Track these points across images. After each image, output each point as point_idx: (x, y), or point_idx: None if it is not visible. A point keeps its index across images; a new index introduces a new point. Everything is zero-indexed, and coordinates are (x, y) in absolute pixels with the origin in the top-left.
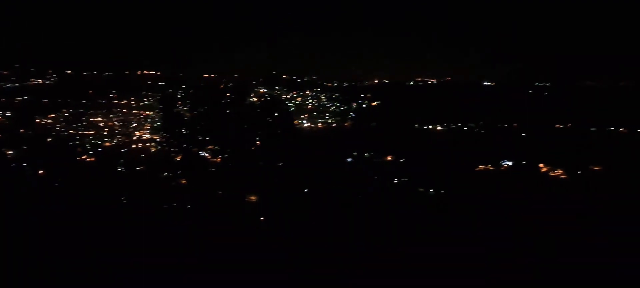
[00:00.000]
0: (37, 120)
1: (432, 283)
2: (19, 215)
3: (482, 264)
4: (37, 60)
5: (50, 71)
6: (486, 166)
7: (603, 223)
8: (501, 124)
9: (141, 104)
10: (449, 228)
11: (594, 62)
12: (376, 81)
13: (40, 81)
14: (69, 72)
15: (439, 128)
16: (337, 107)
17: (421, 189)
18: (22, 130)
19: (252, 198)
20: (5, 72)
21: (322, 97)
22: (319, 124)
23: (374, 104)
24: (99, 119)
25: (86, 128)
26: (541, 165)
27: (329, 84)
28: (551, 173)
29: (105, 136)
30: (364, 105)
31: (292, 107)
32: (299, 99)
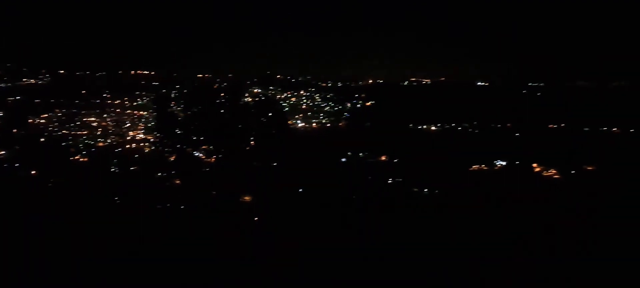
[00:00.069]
0: (30, 121)
1: (426, 281)
2: (11, 216)
3: (475, 263)
4: (30, 60)
5: (43, 71)
6: (480, 166)
7: (596, 223)
8: (495, 124)
9: (135, 103)
10: (443, 228)
11: (586, 63)
12: (370, 81)
13: (33, 81)
14: (62, 71)
15: (433, 128)
16: (331, 107)
17: (415, 189)
18: (14, 131)
19: (247, 198)
20: None
21: (317, 97)
22: (313, 124)
23: (368, 104)
24: (93, 119)
25: (79, 128)
26: (535, 165)
27: (323, 84)
28: (544, 173)
29: (99, 136)
30: (358, 105)
31: (287, 107)
32: (294, 99)
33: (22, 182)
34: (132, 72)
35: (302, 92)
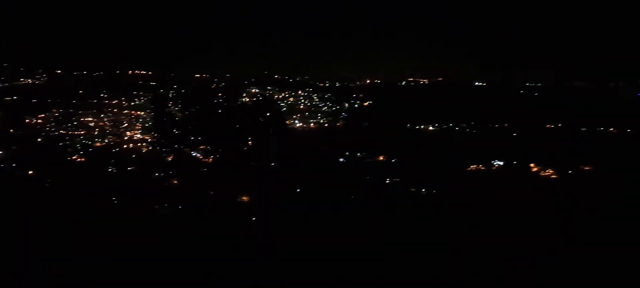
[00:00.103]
0: (27, 120)
1: (424, 283)
2: (8, 216)
3: (474, 263)
4: (27, 60)
5: (40, 71)
6: (478, 166)
7: (593, 223)
8: (492, 124)
9: (132, 103)
10: (441, 228)
11: (584, 63)
12: (368, 81)
13: (30, 81)
14: (59, 71)
15: (430, 128)
16: (329, 107)
17: (413, 189)
18: (11, 131)
19: (244, 198)
20: None
21: (314, 97)
22: (311, 124)
23: (366, 104)
24: (90, 119)
25: (77, 128)
26: (532, 165)
27: (321, 84)
28: (542, 173)
29: (96, 136)
30: (356, 105)
31: (285, 107)
32: (291, 99)
33: (19, 182)
34: (130, 72)
35: (299, 92)
